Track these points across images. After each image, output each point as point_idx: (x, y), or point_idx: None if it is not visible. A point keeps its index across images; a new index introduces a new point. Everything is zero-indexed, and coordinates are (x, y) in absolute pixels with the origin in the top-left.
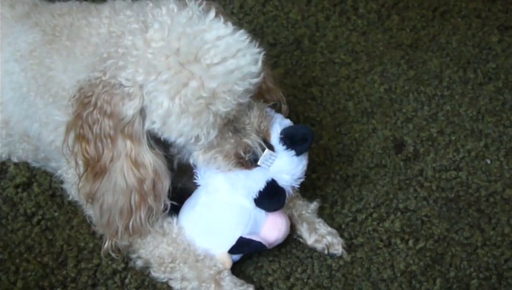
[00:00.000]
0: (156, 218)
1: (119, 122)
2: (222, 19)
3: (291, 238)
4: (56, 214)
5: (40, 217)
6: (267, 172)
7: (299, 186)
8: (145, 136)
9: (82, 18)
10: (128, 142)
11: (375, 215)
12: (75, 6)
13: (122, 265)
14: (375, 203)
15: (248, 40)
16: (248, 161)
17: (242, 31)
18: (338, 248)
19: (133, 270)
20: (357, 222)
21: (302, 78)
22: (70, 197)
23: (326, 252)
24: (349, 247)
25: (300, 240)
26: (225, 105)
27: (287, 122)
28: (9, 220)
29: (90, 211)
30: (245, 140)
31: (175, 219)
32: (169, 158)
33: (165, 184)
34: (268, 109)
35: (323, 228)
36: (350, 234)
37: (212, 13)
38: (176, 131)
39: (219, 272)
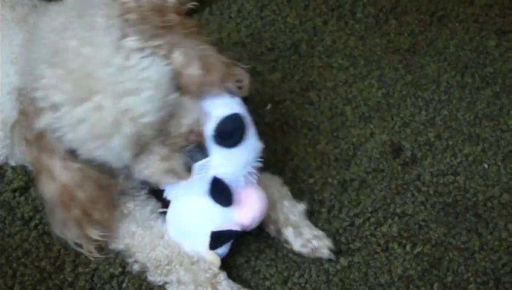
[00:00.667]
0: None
1: (35, 136)
2: (130, 44)
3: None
4: None
5: (37, 221)
6: (206, 176)
7: (255, 171)
8: (60, 150)
9: (41, 16)
10: (46, 155)
11: (372, 219)
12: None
13: (120, 269)
14: (372, 207)
15: (151, 73)
16: (185, 175)
17: (147, 62)
18: (324, 252)
19: (130, 275)
20: (355, 226)
21: (300, 82)
22: None
23: (312, 256)
24: (346, 251)
25: (287, 246)
26: (129, 130)
27: (225, 111)
28: (7, 225)
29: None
30: (172, 162)
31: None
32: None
33: (82, 196)
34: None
35: (308, 232)
36: (347, 239)
37: (117, 36)
38: (88, 153)
39: (215, 276)
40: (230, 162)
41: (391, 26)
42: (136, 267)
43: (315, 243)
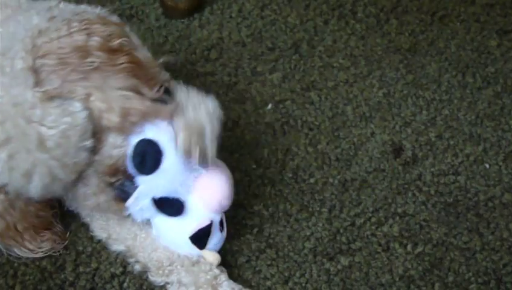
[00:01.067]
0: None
1: None
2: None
3: (289, 242)
4: None
5: None
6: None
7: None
8: None
9: None
10: None
11: (373, 219)
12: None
13: (121, 269)
14: (373, 207)
15: (54, 132)
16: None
17: (59, 109)
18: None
19: (131, 275)
20: (356, 226)
21: (301, 82)
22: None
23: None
24: (347, 251)
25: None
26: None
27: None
28: None
29: (87, 219)
30: (105, 194)
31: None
32: None
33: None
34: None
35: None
36: (348, 239)
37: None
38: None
39: (216, 277)
40: (159, 184)
41: (392, 26)
42: (137, 268)
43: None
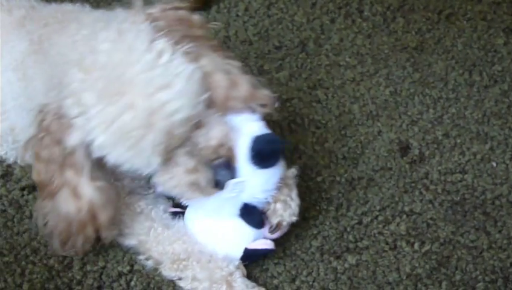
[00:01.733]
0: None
1: (61, 152)
2: (160, 46)
3: (296, 240)
4: None
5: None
6: (239, 198)
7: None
8: (87, 167)
9: (57, 31)
10: (71, 172)
11: (380, 218)
12: (59, 13)
13: (128, 268)
14: (380, 206)
15: (186, 71)
16: (209, 188)
17: (179, 61)
18: (274, 220)
19: (138, 273)
20: (363, 224)
21: (307, 80)
22: None
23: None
24: (354, 250)
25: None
26: (160, 135)
27: (256, 129)
28: (15, 223)
29: None
30: (199, 175)
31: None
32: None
33: (104, 216)
34: (244, 116)
35: (285, 195)
36: (355, 237)
37: (148, 38)
38: (116, 161)
39: (231, 274)
40: (263, 182)
41: (398, 24)
42: (149, 263)
43: (278, 206)
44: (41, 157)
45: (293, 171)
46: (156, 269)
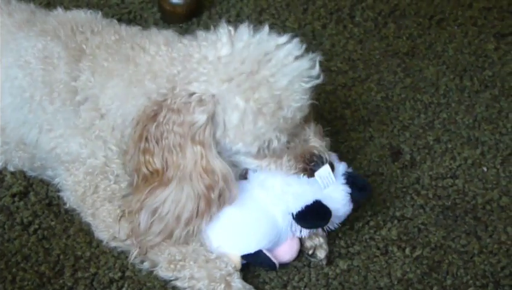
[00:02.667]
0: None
1: (189, 130)
2: (275, 32)
3: None
4: (53, 223)
5: (36, 226)
6: (318, 192)
7: (330, 228)
8: (214, 144)
9: (125, 41)
10: (199, 148)
11: (372, 223)
12: (99, 24)
13: (119, 274)
14: (372, 211)
15: (303, 47)
16: (312, 169)
17: (297, 39)
18: (323, 253)
19: (130, 279)
20: (354, 230)
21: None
22: (68, 205)
23: (310, 251)
24: (345, 255)
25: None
26: (295, 101)
27: (350, 169)
28: (6, 230)
29: (89, 219)
30: (313, 144)
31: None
32: None
33: (234, 193)
34: (333, 154)
35: (320, 229)
36: (347, 242)
37: (266, 28)
38: (251, 135)
39: (230, 274)
40: (337, 204)
41: (390, 30)
42: (145, 265)
43: (321, 240)
44: (153, 148)
45: None
46: (147, 275)
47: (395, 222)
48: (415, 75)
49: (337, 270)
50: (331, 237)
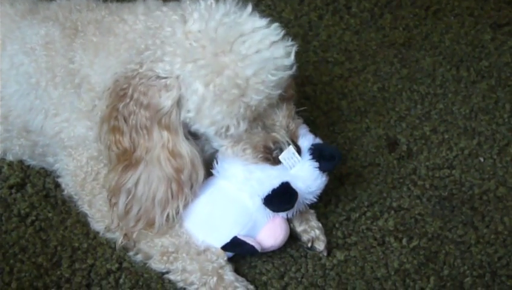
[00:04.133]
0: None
1: (156, 114)
2: (257, 14)
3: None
4: (50, 214)
5: (34, 217)
6: (285, 173)
7: (309, 202)
8: (181, 127)
9: (111, 14)
10: (165, 133)
11: (368, 214)
12: (93, 3)
13: (117, 265)
14: (368, 202)
15: (282, 34)
16: (275, 157)
17: (276, 24)
18: (321, 245)
19: (127, 271)
20: (351, 220)
21: (296, 77)
22: (66, 191)
23: (309, 245)
24: (342, 246)
25: (290, 225)
26: (258, 94)
27: (319, 141)
28: (3, 221)
29: (85, 207)
30: (274, 134)
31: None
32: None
33: (200, 174)
34: (303, 125)
35: (314, 221)
36: (344, 233)
37: (249, 8)
38: (209, 119)
39: (222, 267)
40: (308, 181)
41: (386, 21)
42: (139, 257)
43: (317, 232)
44: (123, 126)
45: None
46: (145, 265)
47: (392, 212)
48: (411, 66)
49: (334, 261)
50: (328, 228)
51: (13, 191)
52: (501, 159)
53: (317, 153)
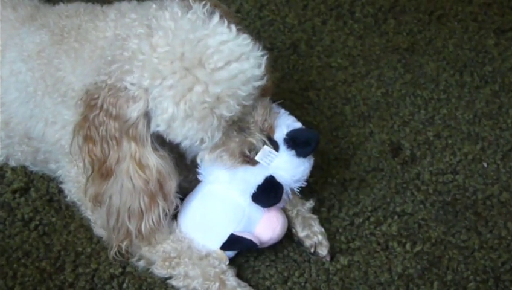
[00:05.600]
0: (170, 218)
1: (123, 124)
2: (226, 22)
3: (289, 242)
4: (53, 219)
5: (37, 222)
6: (266, 168)
7: (298, 189)
8: (149, 139)
9: (89, 20)
10: (133, 144)
11: (372, 218)
12: (82, 8)
13: (120, 270)
14: (372, 206)
15: (251, 44)
16: (253, 158)
17: (245, 35)
18: (324, 250)
19: (130, 275)
20: (354, 225)
21: (299, 82)
22: (69, 198)
23: (312, 250)
24: (346, 250)
25: (292, 230)
26: (229, 109)
27: (297, 125)
28: (7, 226)
29: (88, 213)
30: (249, 139)
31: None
32: (180, 155)
33: (171, 185)
34: (282, 110)
35: (317, 226)
36: (347, 238)
37: (216, 17)
38: (181, 135)
39: (224, 272)
40: (290, 170)
41: (390, 26)
42: (141, 264)
43: (320, 238)
44: (95, 136)
45: (310, 203)
46: (147, 271)
47: (396, 217)
48: (415, 71)
49: (338, 266)
50: (331, 233)
51: (17, 195)
52: (504, 164)
53: (291, 142)
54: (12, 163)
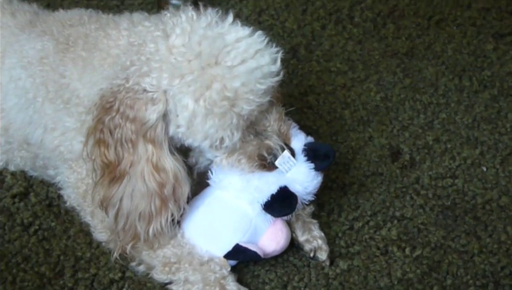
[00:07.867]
0: (175, 223)
1: (141, 127)
2: (239, 23)
3: (288, 247)
4: (53, 224)
5: (37, 227)
6: (281, 177)
7: (307, 202)
8: (167, 141)
9: (99, 29)
10: (150, 147)
11: (371, 223)
12: (85, 17)
13: (120, 274)
14: (371, 211)
15: (266, 41)
16: (270, 163)
17: (260, 32)
18: (324, 254)
19: (130, 280)
20: (354, 230)
21: (299, 86)
22: (68, 203)
23: (312, 254)
24: (345, 255)
25: (292, 235)
26: (248, 104)
27: (311, 139)
28: (6, 230)
29: (88, 218)
30: (267, 142)
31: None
32: (189, 166)
33: (185, 190)
34: (293, 123)
35: (317, 231)
36: (347, 242)
37: (230, 18)
38: (202, 133)
39: (224, 277)
40: (305, 182)
41: (389, 30)
42: (141, 269)
43: (319, 242)
44: (108, 139)
45: (310, 207)
46: (147, 276)
47: (395, 221)
48: (414, 76)
49: (338, 270)
50: (331, 237)
51: (16, 200)
52: (504, 168)
53: (311, 153)
54: (12, 168)
